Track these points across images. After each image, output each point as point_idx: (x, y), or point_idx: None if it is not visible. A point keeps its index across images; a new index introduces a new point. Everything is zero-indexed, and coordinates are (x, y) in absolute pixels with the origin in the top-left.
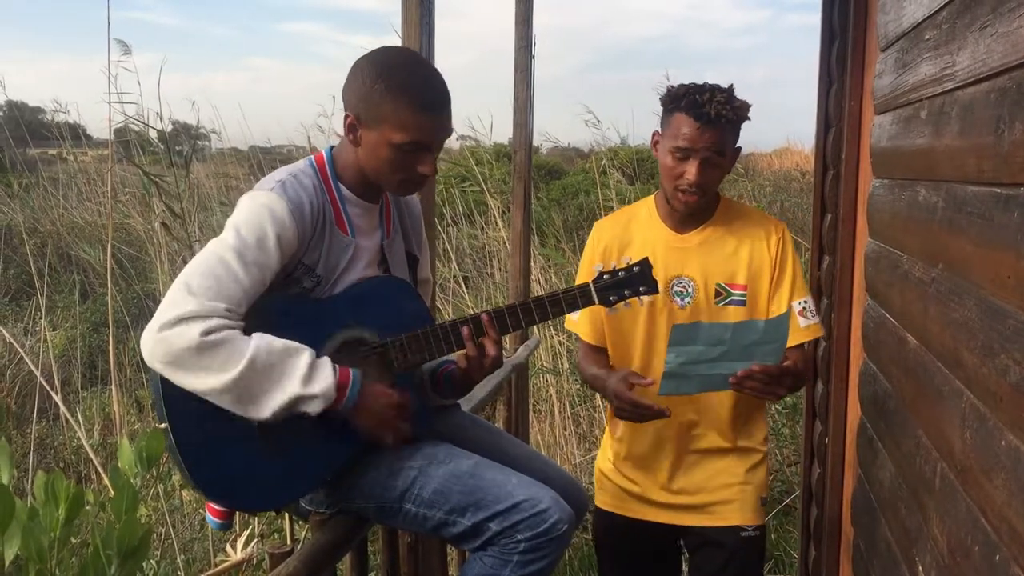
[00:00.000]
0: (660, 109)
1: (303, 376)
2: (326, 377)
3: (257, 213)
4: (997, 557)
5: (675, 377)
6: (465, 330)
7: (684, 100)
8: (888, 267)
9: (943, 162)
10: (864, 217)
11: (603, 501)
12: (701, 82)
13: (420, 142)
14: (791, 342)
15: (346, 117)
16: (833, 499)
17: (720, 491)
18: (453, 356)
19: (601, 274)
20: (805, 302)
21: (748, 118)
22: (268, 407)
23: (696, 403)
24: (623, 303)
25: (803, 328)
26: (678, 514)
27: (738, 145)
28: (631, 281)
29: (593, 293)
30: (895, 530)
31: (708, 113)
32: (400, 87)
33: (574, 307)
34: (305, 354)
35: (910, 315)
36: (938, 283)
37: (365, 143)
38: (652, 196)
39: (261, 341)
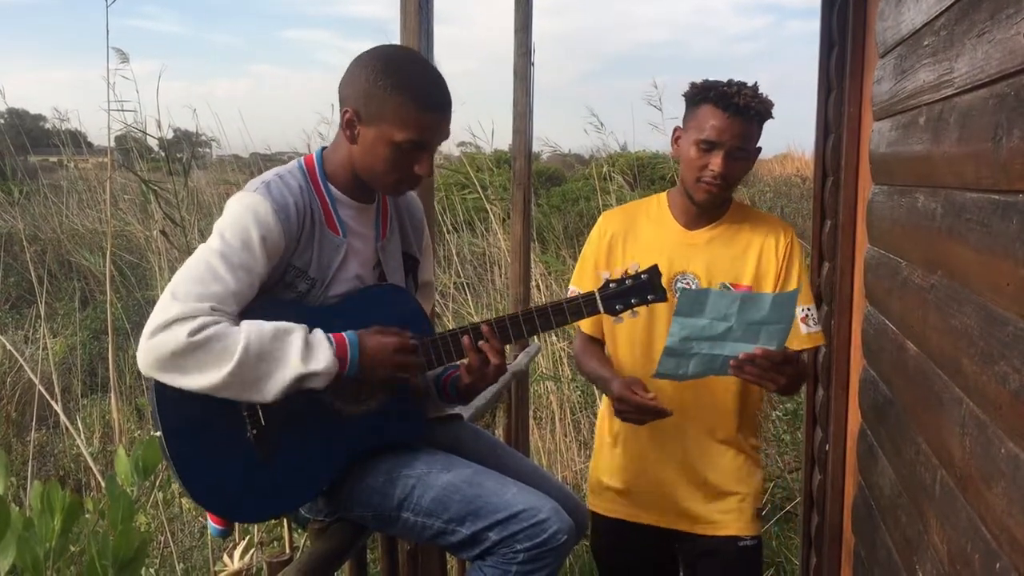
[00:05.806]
0: (657, 118)
1: (300, 355)
2: (324, 352)
3: (241, 215)
4: (997, 565)
5: (675, 355)
6: (465, 340)
7: (712, 91)
8: (888, 274)
9: (942, 169)
10: (864, 223)
11: (598, 505)
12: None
13: (420, 141)
14: (793, 347)
15: (344, 112)
16: (834, 506)
17: (718, 500)
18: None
19: (608, 282)
20: (808, 309)
21: (771, 116)
22: (271, 390)
23: (697, 403)
24: (630, 312)
25: (804, 335)
26: (675, 519)
27: (758, 146)
28: (639, 289)
29: (599, 302)
30: (896, 537)
31: (737, 103)
32: (405, 85)
33: (578, 316)
34: (297, 332)
35: (910, 322)
36: (937, 290)
37: (363, 140)
38: (665, 192)
39: (251, 328)
